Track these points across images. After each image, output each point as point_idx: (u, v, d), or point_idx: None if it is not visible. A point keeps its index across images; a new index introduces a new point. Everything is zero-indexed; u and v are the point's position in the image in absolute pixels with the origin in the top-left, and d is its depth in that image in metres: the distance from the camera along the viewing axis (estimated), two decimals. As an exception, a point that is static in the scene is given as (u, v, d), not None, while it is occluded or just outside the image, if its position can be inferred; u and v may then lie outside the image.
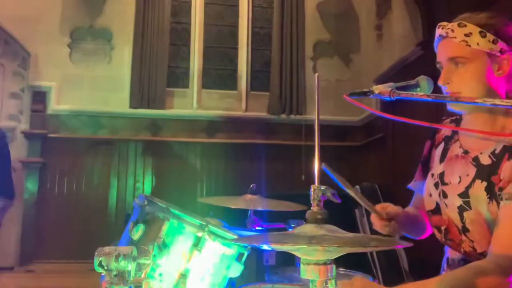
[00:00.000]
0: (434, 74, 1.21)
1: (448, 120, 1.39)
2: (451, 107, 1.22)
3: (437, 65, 1.24)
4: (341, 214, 1.15)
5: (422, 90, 1.13)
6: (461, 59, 1.18)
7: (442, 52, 1.22)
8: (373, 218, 1.31)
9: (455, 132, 1.33)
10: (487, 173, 1.17)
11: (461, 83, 1.18)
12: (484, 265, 1.05)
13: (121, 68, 5.81)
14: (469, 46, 1.17)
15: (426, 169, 1.40)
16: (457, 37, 1.18)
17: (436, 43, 1.26)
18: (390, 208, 1.29)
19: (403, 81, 1.13)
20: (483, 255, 1.14)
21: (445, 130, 1.37)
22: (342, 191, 0.99)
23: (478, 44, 1.16)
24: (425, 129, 1.37)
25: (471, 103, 1.19)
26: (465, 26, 1.18)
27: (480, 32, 1.16)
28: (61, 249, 5.27)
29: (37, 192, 5.40)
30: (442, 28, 1.21)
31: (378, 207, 1.30)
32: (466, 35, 1.17)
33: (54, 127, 5.53)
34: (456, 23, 1.20)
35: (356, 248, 0.84)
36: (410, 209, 1.45)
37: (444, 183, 1.27)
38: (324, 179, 0.94)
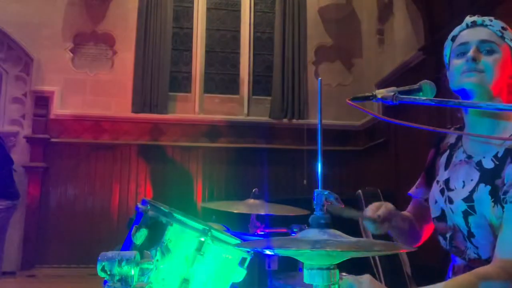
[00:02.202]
0: (436, 79, 1.21)
1: (452, 128, 1.40)
2: (465, 81, 1.20)
3: (460, 47, 1.25)
4: (344, 219, 1.15)
5: (424, 95, 1.13)
6: (493, 46, 1.21)
7: (475, 35, 1.25)
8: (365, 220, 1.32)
9: (459, 139, 1.34)
10: (490, 177, 1.17)
11: (487, 66, 1.21)
12: (489, 270, 1.04)
13: (123, 73, 5.83)
14: (503, 38, 1.22)
15: (429, 177, 1.40)
16: (495, 26, 1.24)
17: (461, 30, 1.29)
18: (382, 209, 1.30)
19: (405, 86, 1.13)
20: (488, 261, 1.13)
21: (450, 138, 1.38)
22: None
23: (511, 40, 1.23)
24: (427, 134, 1.37)
25: (474, 107, 1.19)
26: (501, 21, 1.24)
27: None
28: (63, 254, 5.27)
29: (39, 196, 5.41)
30: (478, 17, 1.27)
31: (370, 207, 1.31)
32: (503, 28, 1.24)
33: (56, 132, 5.55)
34: (493, 17, 1.26)
35: (360, 252, 0.83)
36: (404, 212, 1.45)
37: (449, 189, 1.27)
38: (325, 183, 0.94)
